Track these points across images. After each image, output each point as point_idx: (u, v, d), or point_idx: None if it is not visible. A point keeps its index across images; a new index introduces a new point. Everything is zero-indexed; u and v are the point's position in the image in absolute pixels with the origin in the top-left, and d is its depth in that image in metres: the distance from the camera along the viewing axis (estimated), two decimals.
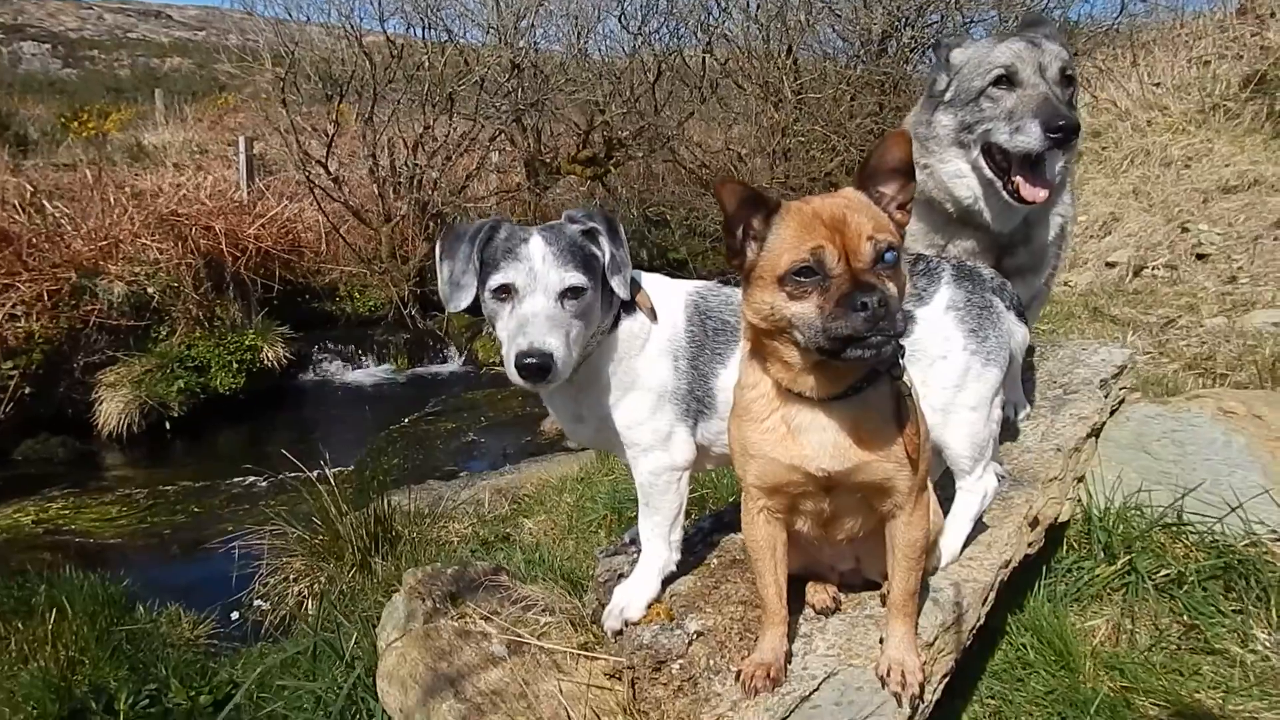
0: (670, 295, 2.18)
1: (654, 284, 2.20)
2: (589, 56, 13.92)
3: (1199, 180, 8.28)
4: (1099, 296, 6.94)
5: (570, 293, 1.94)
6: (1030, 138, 2.51)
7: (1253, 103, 8.71)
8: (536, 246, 1.95)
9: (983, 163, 2.66)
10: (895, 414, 1.65)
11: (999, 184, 2.63)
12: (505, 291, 1.95)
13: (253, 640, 4.72)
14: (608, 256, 2.02)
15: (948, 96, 2.73)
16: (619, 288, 2.03)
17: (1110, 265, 7.82)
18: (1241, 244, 7.16)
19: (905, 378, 1.66)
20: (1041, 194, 2.57)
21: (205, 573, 6.05)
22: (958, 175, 2.72)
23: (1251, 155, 8.28)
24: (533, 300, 1.91)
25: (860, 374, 1.62)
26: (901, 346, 1.67)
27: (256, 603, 5.17)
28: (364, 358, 11.45)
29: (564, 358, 1.88)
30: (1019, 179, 2.58)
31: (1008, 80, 2.59)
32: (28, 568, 5.39)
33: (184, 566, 6.45)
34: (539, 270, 1.92)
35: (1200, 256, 7.27)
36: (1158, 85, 9.92)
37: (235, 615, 5.12)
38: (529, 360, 1.85)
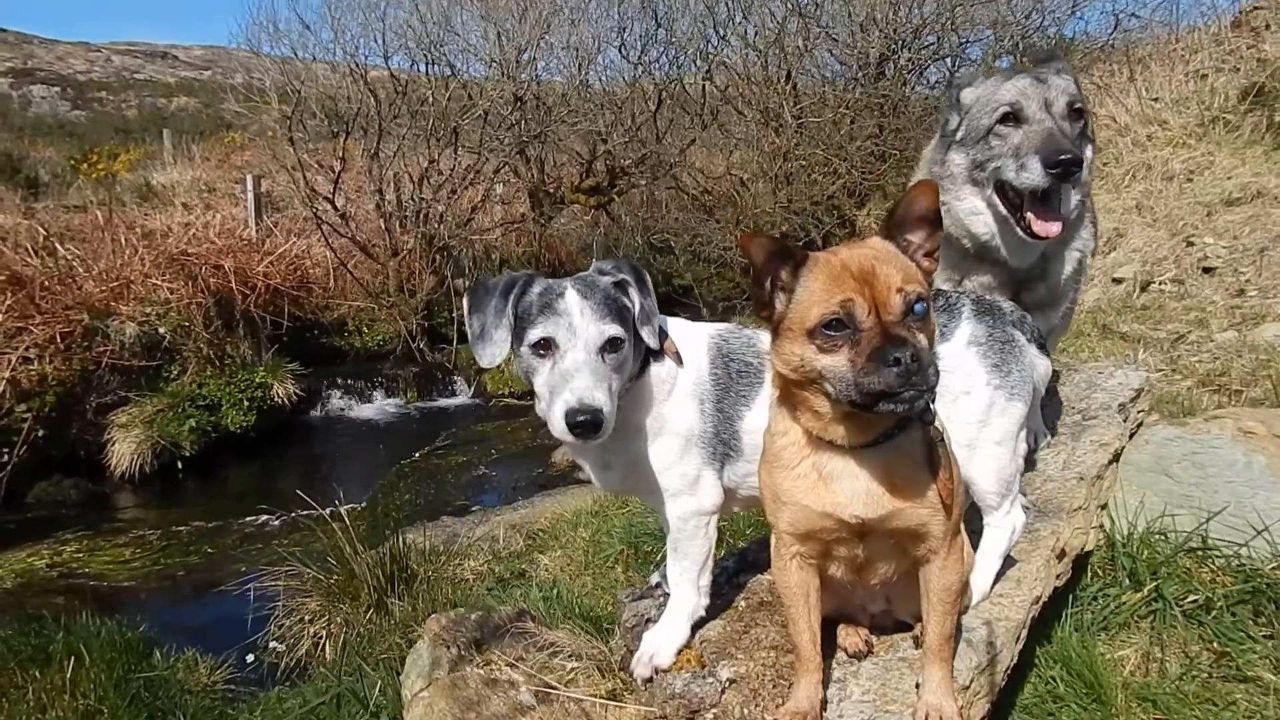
0: (693, 339, 2.19)
1: (676, 328, 2.21)
2: (590, 87, 14.07)
3: (1202, 193, 8.29)
4: (1107, 313, 6.91)
5: (609, 345, 1.94)
6: (1033, 174, 2.53)
7: (1252, 115, 8.73)
8: (573, 300, 1.95)
9: (996, 200, 2.68)
10: (928, 459, 1.64)
11: (1013, 220, 2.65)
12: (544, 346, 1.94)
13: (269, 684, 4.69)
14: (638, 307, 2.03)
15: (959, 136, 2.76)
16: (649, 337, 2.03)
17: (1117, 281, 7.81)
18: (1248, 256, 7.15)
19: (937, 422, 1.66)
20: (1054, 228, 2.58)
21: (219, 614, 6.03)
22: (974, 212, 2.74)
23: (1253, 167, 8.29)
24: (574, 355, 1.91)
25: (892, 422, 1.61)
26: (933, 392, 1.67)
27: (272, 645, 5.13)
28: (373, 392, 11.46)
29: (611, 411, 1.87)
30: (1030, 215, 2.59)
31: (1014, 117, 2.62)
32: (43, 613, 5.37)
33: (198, 608, 6.43)
34: (578, 324, 1.92)
35: (1207, 270, 7.26)
36: (1156, 100, 9.95)
37: (251, 658, 5.08)
38: (581, 418, 1.83)
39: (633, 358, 2.05)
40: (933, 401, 1.65)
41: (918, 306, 1.51)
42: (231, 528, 7.67)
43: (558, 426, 1.88)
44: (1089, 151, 2.74)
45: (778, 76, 13.08)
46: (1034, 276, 2.80)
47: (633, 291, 2.04)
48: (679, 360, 2.13)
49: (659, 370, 2.12)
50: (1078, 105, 2.63)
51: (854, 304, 1.49)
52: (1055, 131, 2.54)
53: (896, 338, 1.46)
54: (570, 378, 1.88)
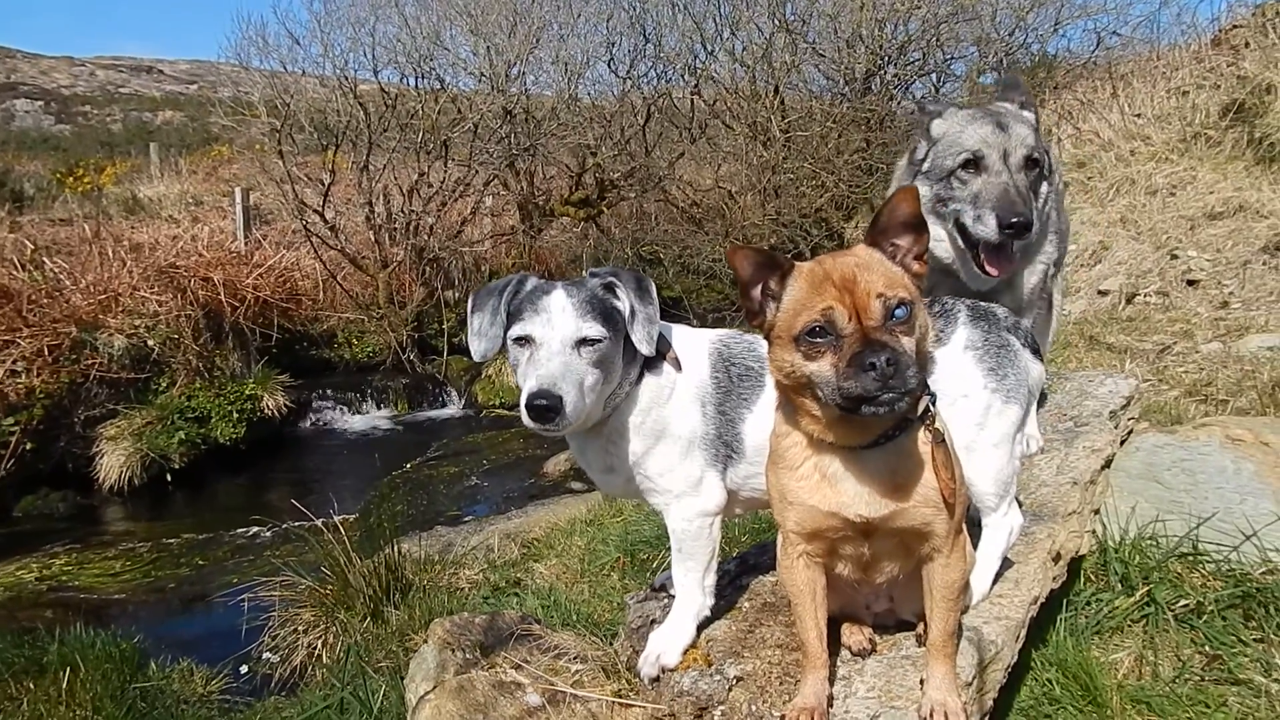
0: (695, 344, 2.24)
1: (679, 334, 2.26)
2: (579, 101, 14.15)
3: (1185, 207, 8.43)
4: (1094, 325, 7.01)
5: (586, 341, 2.01)
6: (988, 229, 2.70)
7: (1233, 131, 8.90)
8: (557, 298, 2.03)
9: (956, 234, 2.84)
10: (930, 458, 1.68)
11: (969, 256, 2.82)
12: (525, 341, 2.03)
13: (264, 694, 4.67)
14: (628, 309, 2.08)
15: (925, 167, 2.91)
16: (641, 342, 2.08)
17: (1102, 293, 7.92)
18: (1231, 269, 7.28)
19: (939, 422, 1.70)
20: (1006, 270, 2.77)
21: (212, 626, 6.00)
22: (937, 239, 2.87)
23: (1235, 182, 8.44)
24: (549, 348, 1.99)
25: (890, 423, 1.65)
26: (932, 392, 1.71)
27: (266, 655, 5.11)
28: (363, 404, 11.45)
29: (574, 401, 1.94)
30: (984, 257, 2.78)
31: (974, 165, 2.77)
32: (36, 625, 5.34)
33: (190, 620, 6.39)
34: (557, 320, 2.00)
35: (1191, 283, 7.38)
36: (1138, 116, 10.13)
37: (245, 669, 5.06)
38: (538, 401, 1.90)
39: (622, 360, 2.10)
40: (933, 399, 1.70)
41: (899, 311, 1.54)
42: (222, 539, 7.63)
43: (522, 412, 1.95)
44: (1044, 188, 2.87)
45: (765, 91, 13.23)
46: (999, 290, 2.92)
47: (622, 293, 2.09)
48: (678, 366, 2.18)
49: (658, 376, 2.17)
50: (1034, 155, 2.76)
51: (834, 311, 1.53)
52: (1010, 188, 2.69)
53: (875, 342, 1.50)
54: (540, 367, 1.96)
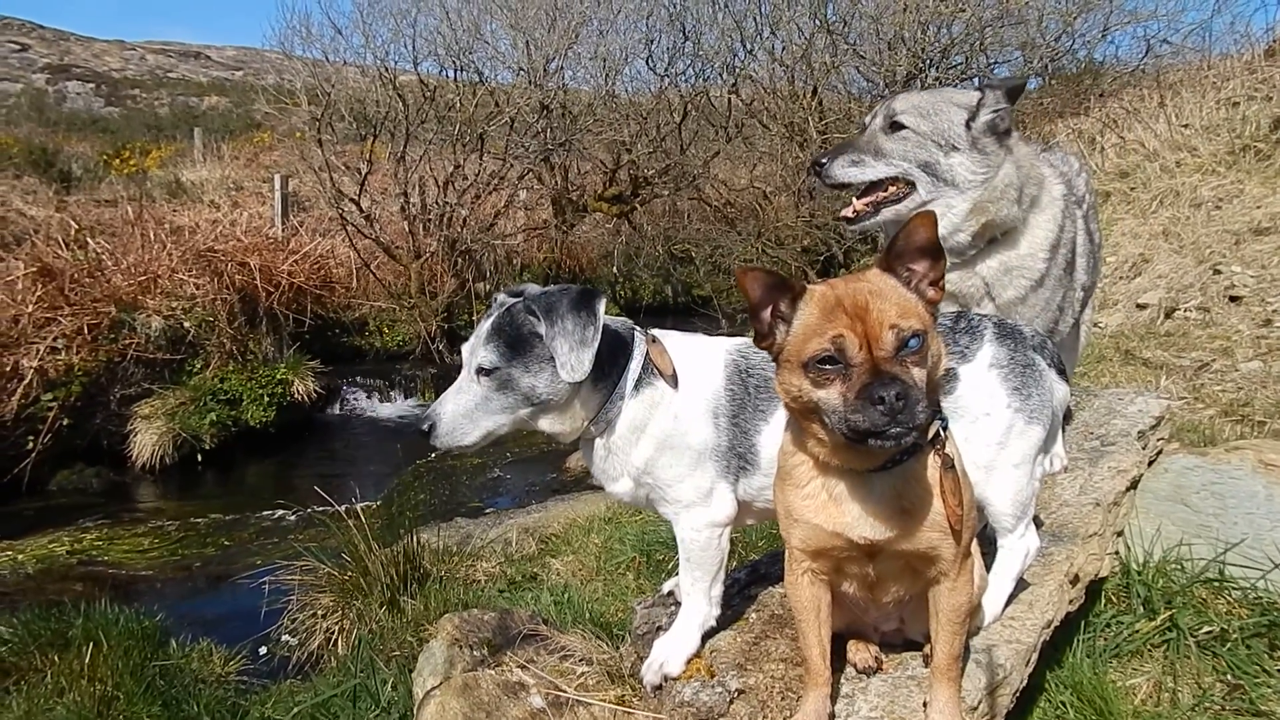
0: (710, 354, 2.21)
1: (692, 344, 2.24)
2: (616, 97, 14.15)
3: (1230, 222, 8.21)
4: (1130, 339, 6.86)
5: (482, 370, 2.09)
6: None
7: None
8: (484, 324, 2.13)
9: None
10: (939, 483, 1.65)
11: None
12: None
13: (281, 676, 4.72)
14: (544, 333, 2.07)
15: None
16: (562, 367, 2.04)
17: (1141, 307, 7.75)
18: (1276, 286, 7.07)
19: (949, 447, 1.67)
20: (846, 212, 2.87)
21: (234, 606, 6.08)
22: None
23: None
24: (461, 374, 2.12)
25: (894, 453, 1.61)
26: (943, 416, 1.67)
27: (285, 638, 5.17)
28: (392, 392, 11.57)
29: (449, 424, 2.09)
30: None
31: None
32: (63, 599, 5.45)
33: (213, 599, 6.50)
34: (473, 346, 2.12)
35: (1233, 299, 7.19)
36: (1186, 126, 9.89)
37: (263, 651, 5.12)
38: (422, 425, 2.13)
39: (539, 383, 2.08)
40: (945, 423, 1.66)
41: (912, 341, 1.50)
42: (248, 521, 7.75)
43: None
44: (942, 158, 2.67)
45: (804, 92, 13.11)
46: (972, 294, 2.83)
47: (542, 317, 2.07)
48: (674, 384, 2.16)
49: (652, 392, 2.16)
50: (896, 118, 2.74)
51: (844, 339, 1.49)
52: (848, 141, 2.85)
53: (885, 375, 1.46)
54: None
